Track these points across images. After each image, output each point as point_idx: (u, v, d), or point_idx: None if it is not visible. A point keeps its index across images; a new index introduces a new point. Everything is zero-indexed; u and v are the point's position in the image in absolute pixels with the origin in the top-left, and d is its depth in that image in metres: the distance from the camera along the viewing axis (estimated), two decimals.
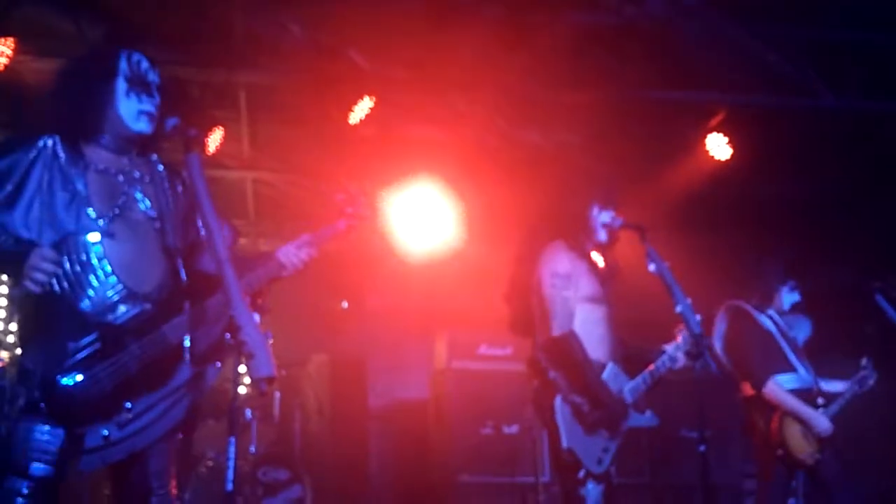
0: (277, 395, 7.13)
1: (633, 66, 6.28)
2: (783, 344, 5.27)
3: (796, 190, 7.60)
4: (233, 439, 2.64)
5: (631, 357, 4.44)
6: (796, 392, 5.15)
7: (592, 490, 4.19)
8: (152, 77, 3.11)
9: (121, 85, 3.06)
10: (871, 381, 5.33)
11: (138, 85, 3.07)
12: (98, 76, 3.07)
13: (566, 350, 4.18)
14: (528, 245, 4.49)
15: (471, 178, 6.85)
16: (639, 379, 4.32)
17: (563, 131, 7.18)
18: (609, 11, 5.95)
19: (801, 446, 5.06)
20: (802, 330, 5.49)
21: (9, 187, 2.92)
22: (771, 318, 5.34)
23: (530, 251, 4.45)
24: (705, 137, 6.87)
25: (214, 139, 6.49)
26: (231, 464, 2.67)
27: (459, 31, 5.87)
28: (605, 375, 4.26)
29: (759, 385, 5.15)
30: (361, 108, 6.35)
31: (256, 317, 2.75)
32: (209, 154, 6.42)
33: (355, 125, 6.42)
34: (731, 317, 5.37)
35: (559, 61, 6.22)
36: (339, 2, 5.76)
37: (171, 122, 3.07)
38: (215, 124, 6.44)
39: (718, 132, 6.83)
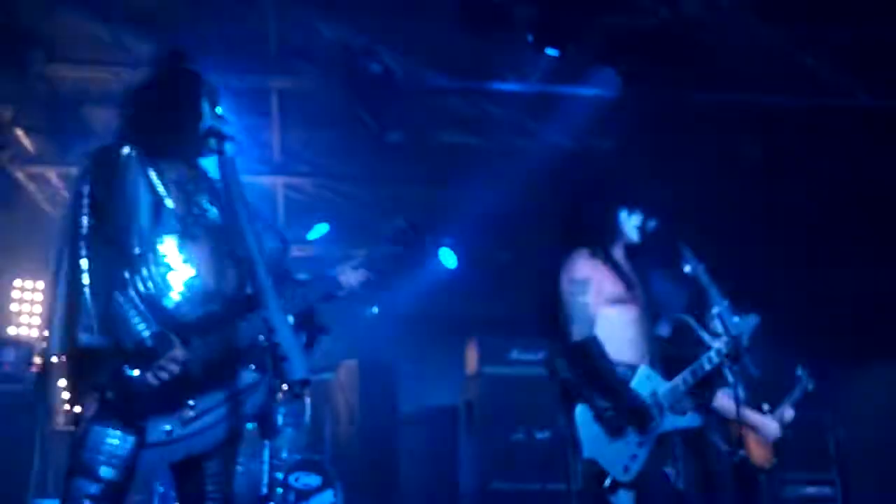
0: (308, 400, 7.12)
1: (667, 67, 6.23)
2: None
3: (831, 191, 7.49)
4: (267, 443, 2.61)
5: (673, 359, 4.33)
6: None
7: (623, 496, 4.09)
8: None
9: (205, 108, 3.09)
10: (809, 388, 5.58)
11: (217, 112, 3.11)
12: (186, 96, 3.11)
13: (586, 355, 4.13)
14: (553, 253, 4.45)
15: (499, 182, 6.84)
16: (677, 380, 4.20)
17: (593, 134, 7.14)
18: (644, 13, 5.91)
19: None
20: None
21: (116, 198, 2.96)
22: None
23: (554, 259, 4.41)
24: (738, 139, 6.80)
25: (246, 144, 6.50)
26: (265, 468, 2.65)
27: (491, 32, 5.84)
28: (636, 379, 4.16)
29: None
30: (391, 113, 6.33)
31: (290, 319, 2.73)
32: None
33: (385, 129, 6.41)
34: None
35: (590, 62, 6.18)
36: (369, 4, 5.76)
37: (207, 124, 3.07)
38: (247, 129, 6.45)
39: (751, 133, 6.76)
